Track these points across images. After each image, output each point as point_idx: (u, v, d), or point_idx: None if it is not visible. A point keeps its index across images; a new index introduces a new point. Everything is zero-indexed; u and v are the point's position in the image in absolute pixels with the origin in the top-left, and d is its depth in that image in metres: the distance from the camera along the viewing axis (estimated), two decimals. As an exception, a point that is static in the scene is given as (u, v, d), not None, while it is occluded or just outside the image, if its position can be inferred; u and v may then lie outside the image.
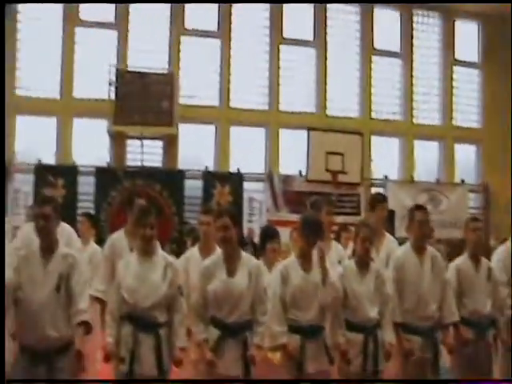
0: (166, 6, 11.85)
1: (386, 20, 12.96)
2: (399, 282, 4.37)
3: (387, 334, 4.19)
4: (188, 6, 11.89)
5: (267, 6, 12.28)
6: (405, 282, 4.37)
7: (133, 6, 11.74)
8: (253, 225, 10.83)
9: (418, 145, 12.94)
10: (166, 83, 11.15)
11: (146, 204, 4.49)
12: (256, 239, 8.30)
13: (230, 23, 12.08)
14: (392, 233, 5.56)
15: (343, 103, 12.63)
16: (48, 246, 3.65)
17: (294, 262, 4.10)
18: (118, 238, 4.82)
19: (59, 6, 11.45)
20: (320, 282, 4.00)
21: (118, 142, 11.34)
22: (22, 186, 10.66)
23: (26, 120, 11.29)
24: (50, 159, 11.15)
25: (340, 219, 6.90)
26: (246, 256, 4.03)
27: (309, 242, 4.06)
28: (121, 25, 11.66)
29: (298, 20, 12.43)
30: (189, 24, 11.97)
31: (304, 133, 11.45)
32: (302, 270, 4.04)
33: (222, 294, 3.82)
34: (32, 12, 11.39)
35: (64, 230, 4.88)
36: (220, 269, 3.88)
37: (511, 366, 4.54)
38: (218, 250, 4.09)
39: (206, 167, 11.40)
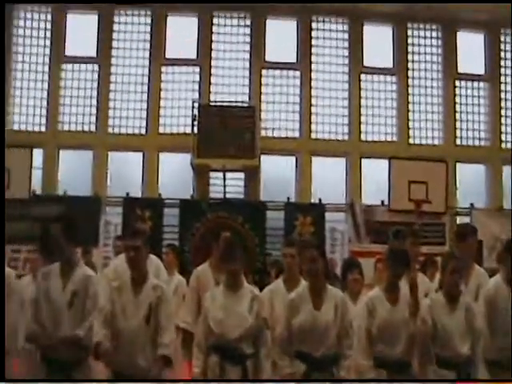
0: (247, 40, 12.18)
1: (470, 42, 12.62)
2: (491, 317, 4.18)
3: (480, 371, 4.01)
4: (268, 40, 12.16)
5: (346, 35, 12.34)
6: (497, 317, 4.17)
7: (215, 42, 12.16)
8: (335, 255, 10.73)
9: (508, 171, 12.40)
10: (247, 116, 11.39)
11: (232, 238, 4.56)
12: (338, 270, 8.22)
13: (310, 54, 12.21)
14: (479, 263, 5.35)
15: (426, 131, 12.41)
16: (138, 277, 3.78)
17: (379, 295, 4.03)
18: (203, 270, 4.92)
19: (146, 47, 12.08)
20: (408, 315, 3.91)
21: (201, 174, 11.64)
22: (112, 218, 11.13)
23: (116, 156, 11.90)
24: (137, 192, 11.62)
25: (424, 249, 6.72)
26: (331, 289, 4.01)
27: (395, 273, 4.00)
28: (203, 61, 12.09)
29: (378, 48, 12.39)
30: (269, 57, 12.21)
31: (385, 162, 11.30)
32: (389, 302, 3.97)
33: (307, 327, 3.81)
34: (123, 54, 12.10)
35: (152, 261, 5.03)
36: (305, 302, 3.89)
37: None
38: (303, 283, 4.09)
39: (288, 198, 11.45)
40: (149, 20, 12.16)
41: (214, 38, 12.21)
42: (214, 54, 12.19)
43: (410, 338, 3.91)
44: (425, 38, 12.60)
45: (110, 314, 3.72)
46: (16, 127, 11.99)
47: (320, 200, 11.36)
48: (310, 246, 4.00)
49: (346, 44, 12.36)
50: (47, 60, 12.07)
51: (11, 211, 10.74)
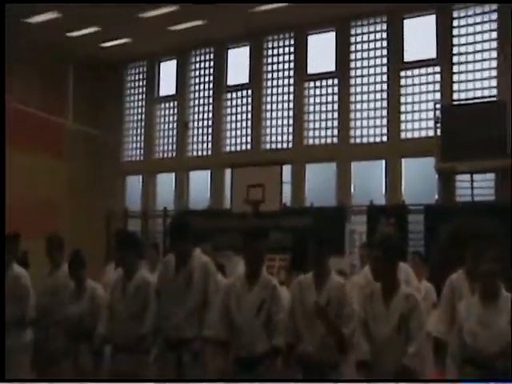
0: (493, 27, 11.25)
1: None
2: None
3: None
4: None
5: None
6: None
7: (456, 37, 11.53)
8: None
9: None
10: (496, 112, 10.55)
11: (484, 246, 4.26)
12: None
13: None
14: None
15: None
16: (389, 286, 3.77)
17: None
18: (458, 279, 4.68)
19: (384, 53, 12.05)
20: None
21: (446, 178, 11.17)
22: (357, 226, 11.33)
23: (359, 165, 12.13)
24: (380, 200, 11.63)
25: None
26: None
27: None
28: (443, 60, 11.58)
29: None
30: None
31: None
32: None
33: None
34: (361, 64, 12.28)
35: (401, 268, 4.96)
36: None
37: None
38: None
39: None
40: (384, 26, 12.14)
41: (454, 32, 11.58)
42: (455, 50, 11.55)
43: None
44: None
45: (364, 322, 3.76)
46: (268, 146, 13.03)
47: None
48: None
49: None
50: (292, 81, 12.89)
51: (266, 223, 11.69)
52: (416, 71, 11.86)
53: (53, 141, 13.47)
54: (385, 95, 11.99)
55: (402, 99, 11.85)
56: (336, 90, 12.46)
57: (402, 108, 11.84)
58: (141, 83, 14.86)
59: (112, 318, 4.66)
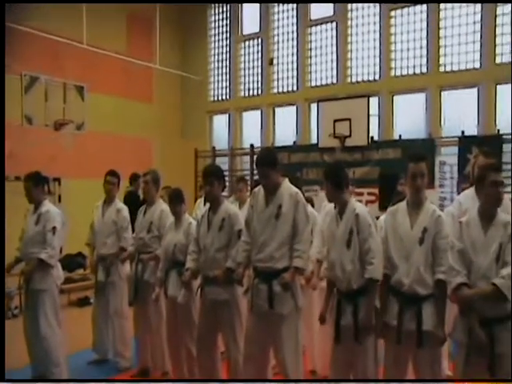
0: None
1: None
2: None
3: None
4: None
5: None
6: None
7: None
8: None
9: None
10: None
11: None
12: None
13: None
14: None
15: None
16: (489, 213, 3.65)
17: None
18: None
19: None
20: None
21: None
22: (447, 158, 11.00)
23: (449, 94, 11.60)
24: (473, 130, 11.15)
25: None
26: None
27: None
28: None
29: None
30: None
31: None
32: None
33: None
34: None
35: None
36: None
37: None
38: None
39: None
40: None
41: None
42: None
43: None
44: None
45: (461, 251, 3.66)
46: (354, 79, 12.72)
47: None
48: None
49: None
50: (377, 10, 12.39)
51: (354, 157, 11.61)
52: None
53: (142, 84, 13.88)
54: (478, 17, 11.26)
55: (499, 20, 11.04)
56: (424, 16, 11.85)
57: (498, 30, 11.07)
58: (224, 22, 14.83)
59: (200, 252, 4.78)
